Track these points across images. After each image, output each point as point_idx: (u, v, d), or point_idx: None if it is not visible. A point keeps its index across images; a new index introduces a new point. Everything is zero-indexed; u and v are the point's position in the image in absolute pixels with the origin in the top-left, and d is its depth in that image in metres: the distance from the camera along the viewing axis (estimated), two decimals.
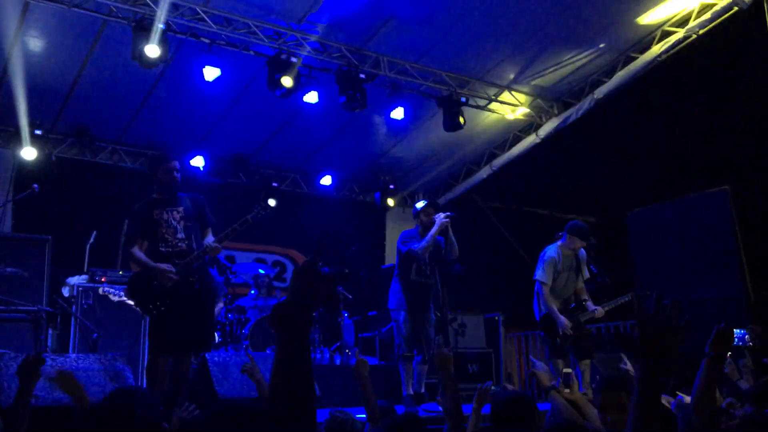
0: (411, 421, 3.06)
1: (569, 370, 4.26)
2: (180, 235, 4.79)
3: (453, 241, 6.10)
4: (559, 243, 6.45)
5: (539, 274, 6.36)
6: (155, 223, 4.80)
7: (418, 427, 3.01)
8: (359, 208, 11.34)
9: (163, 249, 4.75)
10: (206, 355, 4.53)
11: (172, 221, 4.81)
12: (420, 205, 6.43)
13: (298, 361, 1.50)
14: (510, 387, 3.72)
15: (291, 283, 1.57)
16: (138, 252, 4.75)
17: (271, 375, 1.56)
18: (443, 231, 6.04)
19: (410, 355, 6.02)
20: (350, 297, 8.98)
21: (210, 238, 4.87)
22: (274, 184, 10.33)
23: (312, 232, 10.55)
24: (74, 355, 4.55)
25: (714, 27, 7.78)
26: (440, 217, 6.02)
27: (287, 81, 7.47)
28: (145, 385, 4.66)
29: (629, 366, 4.48)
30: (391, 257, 11.15)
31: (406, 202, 11.71)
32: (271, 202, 10.01)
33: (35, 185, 5.29)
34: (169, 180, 4.94)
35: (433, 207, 6.30)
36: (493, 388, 3.69)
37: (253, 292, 8.64)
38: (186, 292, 4.60)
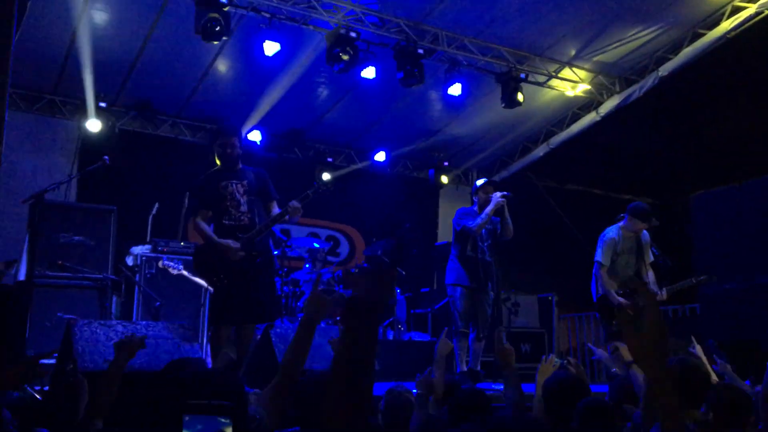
0: (477, 399, 3.06)
1: (619, 345, 4.18)
2: (243, 209, 4.84)
3: (509, 221, 6.08)
4: (620, 224, 6.33)
5: (598, 255, 6.25)
6: (220, 196, 4.86)
7: (483, 404, 3.01)
8: (413, 184, 11.32)
9: (226, 222, 4.81)
10: (268, 326, 4.61)
11: (236, 194, 4.86)
12: (479, 182, 6.41)
13: (363, 359, 1.52)
14: (572, 368, 3.68)
15: (363, 280, 1.57)
16: (203, 224, 4.83)
17: (334, 364, 1.57)
18: (499, 210, 6.01)
19: (465, 331, 6.02)
20: (403, 273, 9.01)
21: (276, 210, 4.92)
22: (329, 159, 10.38)
23: (365, 207, 10.60)
24: (144, 322, 4.69)
25: None
26: (496, 196, 6.00)
27: (346, 56, 7.46)
28: (207, 355, 4.78)
29: (698, 350, 4.38)
30: (443, 234, 11.12)
31: (460, 179, 11.65)
32: (325, 177, 10.08)
33: (106, 157, 5.40)
34: (227, 155, 4.98)
35: (491, 185, 6.27)
36: (556, 360, 3.67)
37: (307, 266, 8.74)
38: (249, 265, 4.68)
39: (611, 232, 6.29)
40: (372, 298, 1.52)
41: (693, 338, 4.43)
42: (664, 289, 6.12)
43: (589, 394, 3.23)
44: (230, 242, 4.68)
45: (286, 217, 4.69)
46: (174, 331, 4.21)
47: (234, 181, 4.91)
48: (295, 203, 4.67)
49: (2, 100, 3.32)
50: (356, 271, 1.65)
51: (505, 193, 6.04)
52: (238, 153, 5.03)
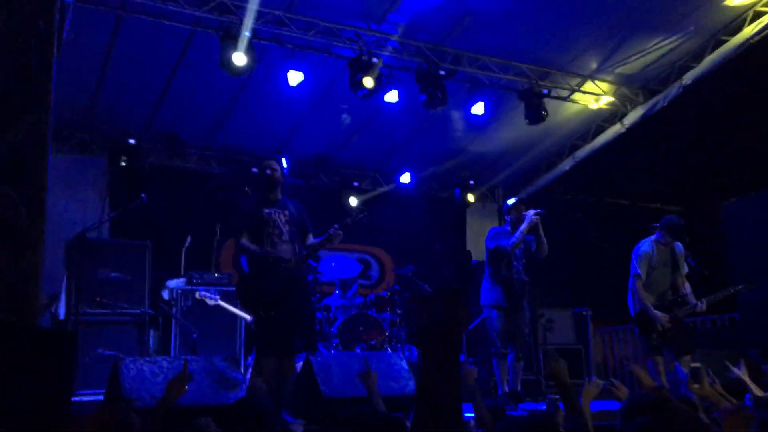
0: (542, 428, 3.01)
1: (698, 365, 4.13)
2: (285, 238, 4.90)
3: (543, 239, 6.08)
4: (653, 237, 6.29)
5: (634, 269, 6.21)
6: (264, 222, 4.92)
7: None
8: (439, 204, 11.31)
9: (269, 249, 4.86)
10: (309, 355, 4.63)
11: (279, 223, 4.93)
12: (510, 201, 6.43)
13: (444, 388, 1.52)
14: (617, 382, 3.67)
15: (429, 305, 1.58)
16: (248, 242, 4.88)
17: (417, 396, 1.58)
18: (533, 228, 6.00)
19: (504, 351, 6.00)
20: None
21: (312, 240, 4.97)
22: (355, 183, 10.43)
23: (393, 229, 10.61)
24: (187, 357, 4.73)
25: None
26: (530, 215, 6.00)
27: (369, 81, 7.54)
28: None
29: (739, 372, 4.33)
30: (473, 253, 11.09)
31: (486, 197, 11.63)
32: (352, 201, 10.14)
33: (143, 195, 5.53)
34: (268, 177, 5.07)
35: (523, 204, 6.28)
36: (600, 383, 3.64)
37: (337, 292, 8.76)
38: (291, 295, 4.71)
39: (645, 245, 6.25)
40: (443, 325, 1.53)
41: (727, 363, 4.39)
42: (703, 300, 6.05)
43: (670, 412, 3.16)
44: (281, 252, 4.73)
45: (327, 244, 4.75)
46: (217, 365, 4.24)
47: (277, 210, 4.98)
48: (338, 230, 4.73)
49: (45, 145, 3.40)
50: (416, 297, 1.66)
51: (538, 210, 6.04)
52: (279, 177, 5.11)
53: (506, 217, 6.40)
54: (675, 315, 6.09)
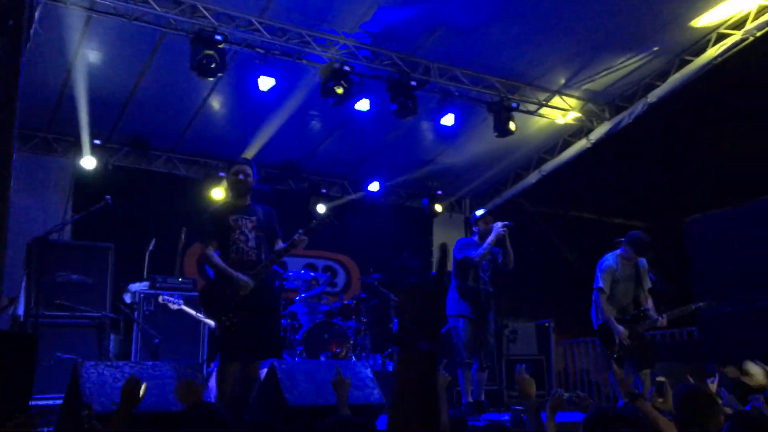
0: None
1: (663, 379, 4.20)
2: (251, 244, 4.82)
3: (510, 251, 6.13)
4: (618, 252, 6.39)
5: (598, 282, 6.30)
6: (230, 228, 4.85)
7: None
8: (407, 213, 11.37)
9: (234, 256, 4.79)
10: (274, 362, 4.59)
11: (245, 229, 4.85)
12: (479, 212, 6.48)
13: (425, 383, 1.52)
14: (583, 394, 3.72)
15: (407, 304, 1.58)
16: (216, 256, 4.78)
17: (393, 394, 1.58)
18: (500, 240, 6.06)
19: (469, 361, 6.03)
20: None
21: (280, 245, 4.91)
22: (323, 191, 10.42)
23: (360, 238, 10.62)
24: (150, 363, 4.66)
25: None
26: (497, 226, 6.05)
27: (340, 89, 7.54)
28: (213, 392, 4.75)
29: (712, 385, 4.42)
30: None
31: (453, 207, 11.72)
32: (320, 208, 10.12)
33: (108, 197, 5.42)
34: (240, 182, 4.98)
35: (491, 215, 6.33)
36: (565, 395, 3.68)
37: (302, 295, 8.71)
38: (256, 301, 4.66)
39: (610, 259, 6.34)
40: (424, 318, 1.53)
41: (688, 376, 4.48)
42: (664, 315, 6.15)
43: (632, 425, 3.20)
44: (244, 277, 4.65)
45: (291, 250, 4.70)
46: (180, 371, 4.19)
47: (243, 216, 4.91)
48: (302, 235, 4.68)
49: (9, 144, 3.34)
50: (404, 290, 1.66)
51: (506, 222, 6.09)
52: (251, 183, 5.03)
53: (474, 228, 6.45)
54: (635, 330, 6.18)
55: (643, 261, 6.41)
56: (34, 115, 8.36)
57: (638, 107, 8.95)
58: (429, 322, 1.54)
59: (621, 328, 6.12)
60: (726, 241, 7.29)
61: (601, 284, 6.23)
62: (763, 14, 7.65)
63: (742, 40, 7.85)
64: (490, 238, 6.04)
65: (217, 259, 4.76)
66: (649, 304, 6.28)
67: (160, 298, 6.65)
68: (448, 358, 6.43)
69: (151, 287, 7.04)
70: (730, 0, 7.62)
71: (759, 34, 7.72)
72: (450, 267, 6.37)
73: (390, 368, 8.06)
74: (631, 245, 6.28)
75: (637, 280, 6.37)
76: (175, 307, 6.59)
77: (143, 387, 2.83)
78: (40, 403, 5.31)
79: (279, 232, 5.03)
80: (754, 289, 6.86)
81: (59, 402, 4.42)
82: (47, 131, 8.84)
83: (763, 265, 6.77)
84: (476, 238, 6.33)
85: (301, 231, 4.72)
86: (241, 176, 4.97)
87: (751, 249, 6.99)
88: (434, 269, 8.79)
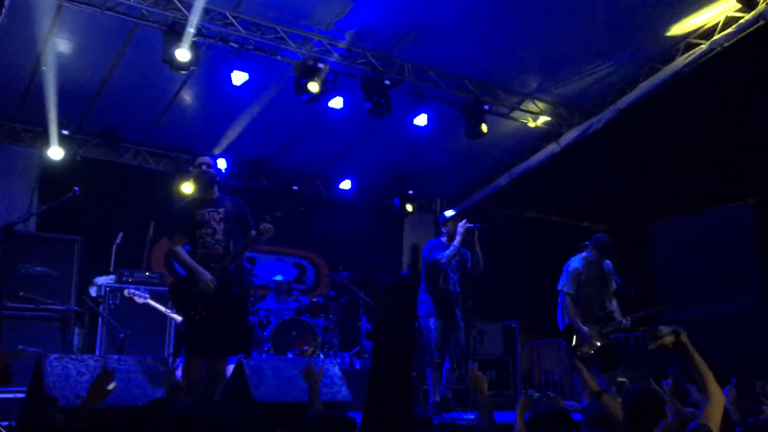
0: None
1: (623, 380, 4.29)
2: (219, 237, 4.80)
3: (479, 255, 6.21)
4: (583, 254, 6.48)
5: (563, 285, 6.38)
6: (196, 223, 4.82)
7: None
8: (378, 212, 11.38)
9: (200, 250, 4.76)
10: (241, 359, 4.57)
11: (212, 222, 4.83)
12: (449, 213, 6.52)
13: (399, 375, 1.54)
14: (553, 395, 3.77)
15: (381, 301, 1.61)
16: (181, 250, 4.76)
17: (369, 386, 1.60)
18: (468, 243, 6.12)
19: (441, 361, 6.07)
20: (369, 301, 9.03)
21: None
22: (294, 188, 10.39)
23: (331, 235, 10.62)
24: (115, 356, 4.61)
25: (739, 40, 7.76)
26: (461, 225, 6.10)
27: (314, 86, 7.52)
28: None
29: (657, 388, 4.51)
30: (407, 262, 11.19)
31: (424, 207, 11.77)
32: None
33: (76, 188, 5.33)
34: (202, 174, 4.96)
35: (461, 217, 6.37)
36: (535, 395, 3.74)
37: (271, 296, 8.70)
38: (223, 296, 4.64)
39: (575, 262, 6.43)
40: (398, 317, 1.55)
41: (651, 379, 4.57)
42: (628, 317, 6.26)
43: (573, 426, 3.28)
44: (206, 273, 4.64)
45: (258, 239, 4.69)
46: (145, 365, 4.16)
47: (210, 209, 4.89)
48: (266, 224, 4.68)
49: None
50: (380, 288, 1.68)
51: (472, 225, 6.14)
52: (213, 174, 5.00)
53: (443, 229, 6.49)
54: (600, 332, 6.28)
55: (608, 264, 6.51)
56: (2, 103, 8.23)
57: (607, 113, 9.08)
58: (401, 320, 1.57)
59: (586, 329, 6.21)
60: (688, 246, 7.46)
61: (565, 287, 6.32)
62: (730, 26, 7.81)
63: (709, 50, 8.01)
64: (457, 240, 6.10)
65: (183, 255, 4.75)
66: (614, 306, 6.39)
67: (126, 292, 6.59)
68: (417, 360, 6.48)
69: (117, 281, 6.97)
70: (699, 10, 7.78)
71: (726, 44, 7.88)
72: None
73: (357, 366, 8.08)
74: (596, 248, 6.39)
75: (602, 282, 6.47)
76: (141, 300, 6.53)
77: (112, 384, 2.81)
78: (2, 396, 5.23)
79: (252, 223, 5.01)
80: (714, 293, 7.03)
81: (22, 395, 4.36)
82: (15, 120, 8.68)
83: (724, 270, 6.93)
84: (444, 239, 6.37)
85: (268, 217, 4.71)
86: (203, 167, 4.97)
87: (712, 254, 7.16)
88: (405, 268, 8.86)
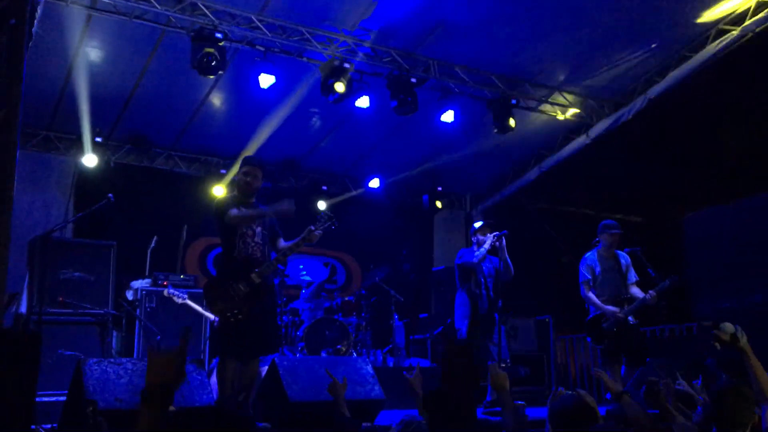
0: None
1: (654, 379, 4.24)
2: (258, 239, 4.81)
3: (508, 261, 6.35)
4: (596, 249, 6.53)
5: (581, 277, 6.45)
6: None
7: None
8: (407, 210, 11.37)
9: (241, 248, 4.77)
10: (275, 359, 4.61)
11: (253, 225, 4.85)
12: (478, 224, 6.80)
13: None
14: (583, 392, 3.74)
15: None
16: (238, 211, 4.74)
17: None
18: (497, 251, 6.36)
19: None
20: (401, 299, 9.04)
21: (284, 243, 4.92)
22: (324, 188, 10.45)
23: (361, 234, 10.64)
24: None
25: None
26: (490, 237, 6.41)
27: (340, 86, 7.56)
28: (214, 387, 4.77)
29: (685, 385, 4.46)
30: (439, 259, 11.18)
31: (454, 204, 11.74)
32: (321, 205, 10.12)
33: (110, 195, 5.45)
34: (248, 184, 4.94)
35: (489, 227, 6.63)
36: (566, 392, 3.71)
37: (303, 295, 8.76)
38: (257, 298, 4.68)
39: (588, 257, 6.55)
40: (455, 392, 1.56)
41: (678, 375, 4.52)
42: (651, 291, 6.14)
43: (597, 419, 3.26)
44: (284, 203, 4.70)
45: (302, 244, 4.73)
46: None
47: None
48: (316, 231, 4.70)
49: (13, 142, 3.37)
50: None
51: (498, 233, 6.33)
52: (257, 187, 4.98)
53: (473, 239, 6.77)
54: (625, 312, 6.20)
55: (624, 256, 6.50)
56: (36, 113, 8.40)
57: (638, 103, 8.97)
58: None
59: (610, 306, 6.21)
60: (724, 236, 7.33)
61: (586, 276, 6.38)
62: (761, 11, 7.66)
63: (740, 36, 7.85)
64: (488, 243, 6.40)
65: (245, 211, 4.74)
66: (637, 291, 6.34)
67: (166, 292, 6.67)
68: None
69: (153, 284, 7.08)
70: None
71: (758, 29, 7.73)
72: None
73: (390, 364, 8.11)
74: (601, 234, 6.44)
75: (619, 272, 6.44)
76: (180, 300, 6.62)
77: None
78: (43, 399, 5.36)
79: (280, 230, 5.04)
80: (750, 284, 6.90)
81: (62, 399, 4.46)
82: (49, 129, 8.87)
83: (758, 260, 6.81)
84: (475, 247, 6.67)
85: (312, 227, 4.72)
86: (249, 179, 4.92)
87: (749, 244, 7.03)
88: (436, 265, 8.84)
